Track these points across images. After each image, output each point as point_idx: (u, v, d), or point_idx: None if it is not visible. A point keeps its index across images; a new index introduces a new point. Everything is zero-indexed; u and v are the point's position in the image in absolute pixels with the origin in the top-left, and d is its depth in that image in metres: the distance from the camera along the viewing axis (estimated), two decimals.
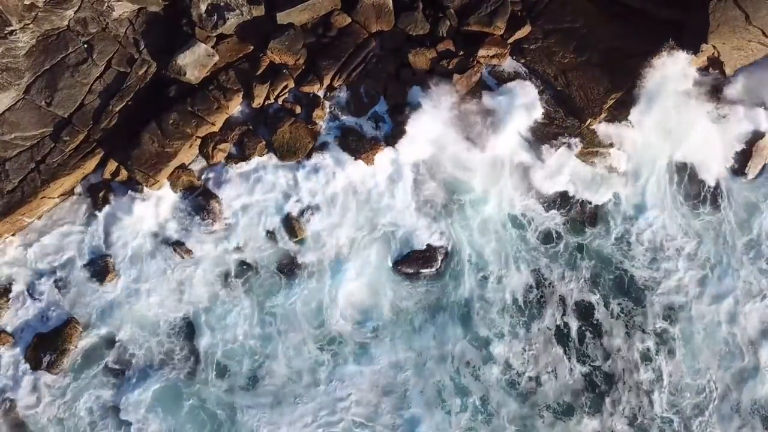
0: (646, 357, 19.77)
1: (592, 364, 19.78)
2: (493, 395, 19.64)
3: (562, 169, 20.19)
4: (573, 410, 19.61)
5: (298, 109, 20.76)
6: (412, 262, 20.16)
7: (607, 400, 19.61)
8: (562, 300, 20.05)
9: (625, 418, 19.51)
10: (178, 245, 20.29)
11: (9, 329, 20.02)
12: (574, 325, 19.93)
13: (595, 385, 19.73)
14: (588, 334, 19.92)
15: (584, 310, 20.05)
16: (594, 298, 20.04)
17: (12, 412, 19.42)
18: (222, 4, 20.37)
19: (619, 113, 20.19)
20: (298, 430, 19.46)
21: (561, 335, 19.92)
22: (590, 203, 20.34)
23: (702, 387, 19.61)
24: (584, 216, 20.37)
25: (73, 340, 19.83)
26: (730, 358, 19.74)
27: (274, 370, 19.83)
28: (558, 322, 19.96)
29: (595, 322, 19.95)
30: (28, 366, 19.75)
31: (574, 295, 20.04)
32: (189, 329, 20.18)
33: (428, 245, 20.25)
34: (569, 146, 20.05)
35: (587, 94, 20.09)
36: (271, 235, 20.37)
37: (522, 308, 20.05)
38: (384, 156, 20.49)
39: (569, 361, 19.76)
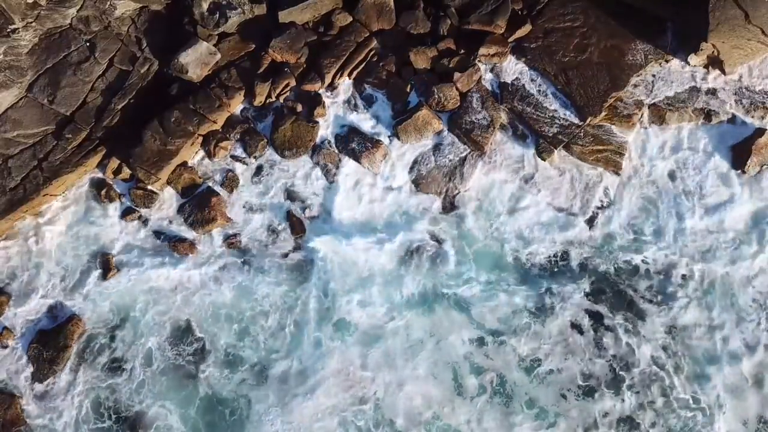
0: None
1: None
2: (508, 378, 19.34)
3: (561, 168, 20.29)
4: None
5: (300, 108, 20.83)
6: (415, 253, 20.15)
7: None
8: (564, 302, 19.86)
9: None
10: (180, 242, 20.38)
11: (11, 326, 20.11)
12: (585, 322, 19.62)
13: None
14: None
15: (593, 316, 19.72)
16: (596, 308, 19.76)
17: (13, 408, 19.47)
18: (224, 2, 20.47)
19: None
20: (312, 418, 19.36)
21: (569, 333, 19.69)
22: (589, 203, 20.33)
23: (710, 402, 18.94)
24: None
25: (75, 336, 19.89)
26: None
27: (285, 361, 19.75)
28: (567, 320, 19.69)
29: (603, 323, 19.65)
30: (30, 362, 19.85)
31: (575, 302, 19.76)
32: (193, 326, 20.20)
33: (432, 237, 20.21)
34: (569, 145, 20.12)
35: (587, 93, 20.15)
36: (273, 231, 20.43)
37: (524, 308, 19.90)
38: (385, 154, 20.56)
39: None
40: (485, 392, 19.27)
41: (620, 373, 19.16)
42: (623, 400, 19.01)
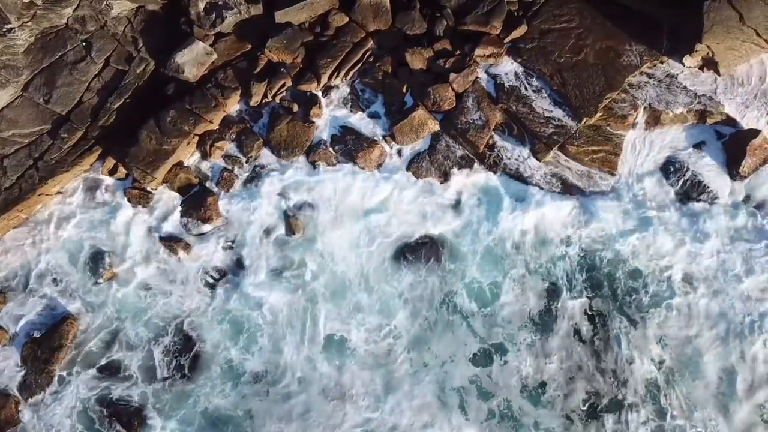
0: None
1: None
2: (513, 400, 19.21)
3: (557, 167, 20.36)
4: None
5: (296, 108, 20.86)
6: (412, 252, 20.09)
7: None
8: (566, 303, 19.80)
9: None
10: (176, 242, 20.35)
11: (6, 325, 20.04)
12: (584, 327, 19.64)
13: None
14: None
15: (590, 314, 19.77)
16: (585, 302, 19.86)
17: (7, 407, 19.40)
18: (220, 2, 20.49)
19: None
20: None
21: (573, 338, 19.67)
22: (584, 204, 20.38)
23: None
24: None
25: (69, 337, 19.83)
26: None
27: (282, 377, 19.61)
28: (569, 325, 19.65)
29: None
30: (24, 362, 19.79)
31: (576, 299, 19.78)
32: (189, 330, 20.07)
33: (427, 236, 20.19)
34: (564, 146, 20.17)
35: (583, 94, 20.22)
36: (269, 232, 20.39)
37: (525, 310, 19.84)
38: (381, 154, 20.57)
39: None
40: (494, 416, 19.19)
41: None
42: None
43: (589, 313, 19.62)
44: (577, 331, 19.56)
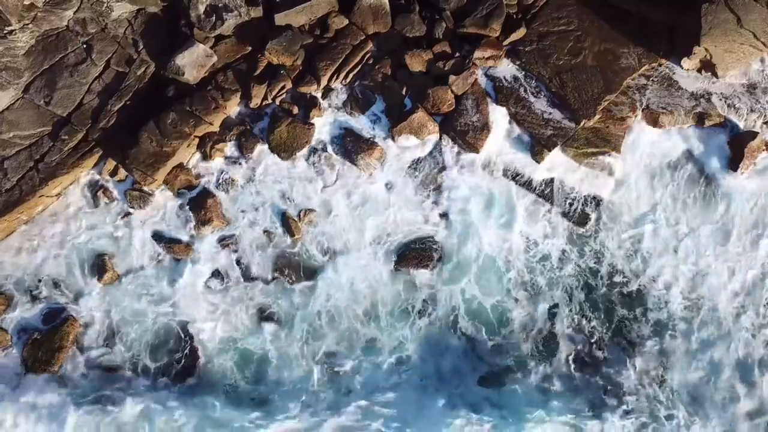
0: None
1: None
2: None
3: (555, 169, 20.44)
4: None
5: (296, 110, 20.92)
6: (409, 261, 20.20)
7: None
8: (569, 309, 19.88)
9: None
10: (175, 243, 20.41)
11: (6, 326, 20.08)
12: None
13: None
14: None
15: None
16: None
17: (7, 407, 19.44)
18: (220, 5, 20.56)
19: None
20: None
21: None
22: (581, 207, 20.39)
23: None
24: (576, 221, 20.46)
25: (69, 338, 19.88)
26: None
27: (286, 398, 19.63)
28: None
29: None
30: (24, 363, 19.84)
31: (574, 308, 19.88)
32: (187, 332, 20.11)
33: (424, 243, 20.28)
34: (563, 148, 20.25)
35: (581, 96, 20.30)
36: (268, 234, 20.46)
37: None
38: (380, 155, 20.63)
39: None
40: None
41: None
42: None
43: None
44: None
